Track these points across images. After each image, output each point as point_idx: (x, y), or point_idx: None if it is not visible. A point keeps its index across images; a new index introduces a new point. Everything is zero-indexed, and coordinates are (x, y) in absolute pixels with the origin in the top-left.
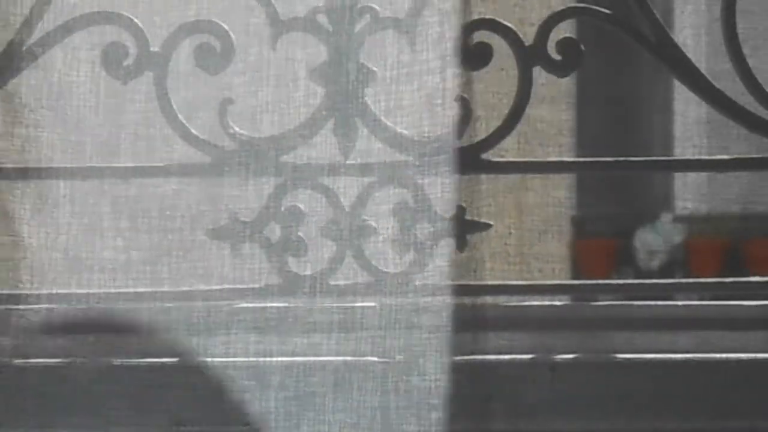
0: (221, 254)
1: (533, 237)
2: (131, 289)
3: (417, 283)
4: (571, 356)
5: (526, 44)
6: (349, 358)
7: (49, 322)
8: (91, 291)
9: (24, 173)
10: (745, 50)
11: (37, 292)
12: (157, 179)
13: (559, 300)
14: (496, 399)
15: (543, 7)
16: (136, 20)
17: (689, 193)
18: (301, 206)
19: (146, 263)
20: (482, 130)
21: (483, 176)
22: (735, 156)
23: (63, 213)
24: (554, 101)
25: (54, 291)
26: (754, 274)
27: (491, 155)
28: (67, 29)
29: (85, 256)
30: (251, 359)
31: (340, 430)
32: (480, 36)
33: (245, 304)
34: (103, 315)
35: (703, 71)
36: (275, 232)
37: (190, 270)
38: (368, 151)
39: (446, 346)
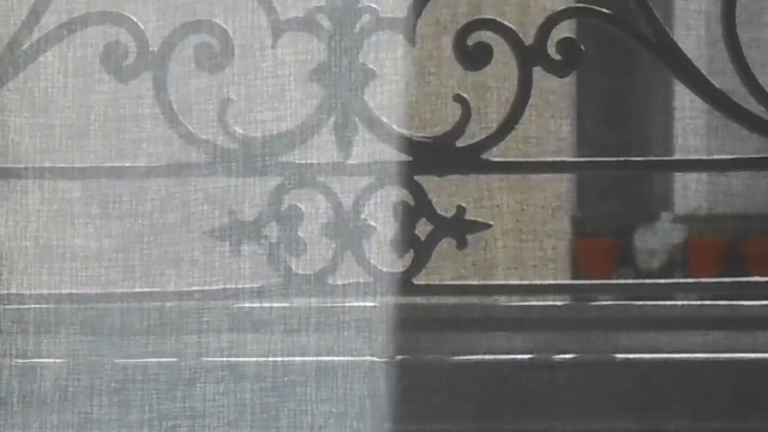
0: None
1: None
2: (130, 290)
3: (417, 283)
4: (571, 356)
5: (526, 44)
6: (347, 358)
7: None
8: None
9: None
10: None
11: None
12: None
13: (559, 300)
14: (496, 399)
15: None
16: (136, 20)
17: (689, 193)
18: (301, 206)
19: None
20: (482, 129)
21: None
22: (735, 156)
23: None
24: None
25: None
26: (754, 274)
27: (491, 155)
28: (67, 29)
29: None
30: (252, 359)
31: (326, 423)
32: (480, 36)
33: (245, 304)
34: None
35: (703, 71)
36: (275, 232)
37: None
38: (368, 151)
39: (446, 346)
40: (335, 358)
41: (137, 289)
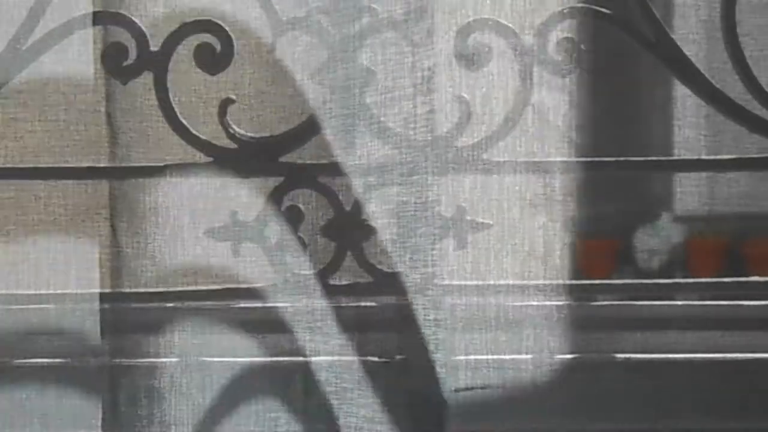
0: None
1: None
2: (125, 290)
3: (417, 283)
4: (571, 356)
5: (526, 44)
6: (348, 358)
7: None
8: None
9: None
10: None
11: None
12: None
13: (559, 300)
14: (496, 399)
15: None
16: (136, 20)
17: (689, 193)
18: (301, 206)
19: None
20: (482, 129)
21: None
22: (735, 156)
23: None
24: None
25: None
26: (754, 274)
27: (491, 155)
28: (67, 29)
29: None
30: (252, 359)
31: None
32: (480, 36)
33: (245, 304)
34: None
35: (703, 71)
36: (275, 232)
37: None
38: (368, 151)
39: (446, 346)
40: (332, 358)
41: (134, 290)
